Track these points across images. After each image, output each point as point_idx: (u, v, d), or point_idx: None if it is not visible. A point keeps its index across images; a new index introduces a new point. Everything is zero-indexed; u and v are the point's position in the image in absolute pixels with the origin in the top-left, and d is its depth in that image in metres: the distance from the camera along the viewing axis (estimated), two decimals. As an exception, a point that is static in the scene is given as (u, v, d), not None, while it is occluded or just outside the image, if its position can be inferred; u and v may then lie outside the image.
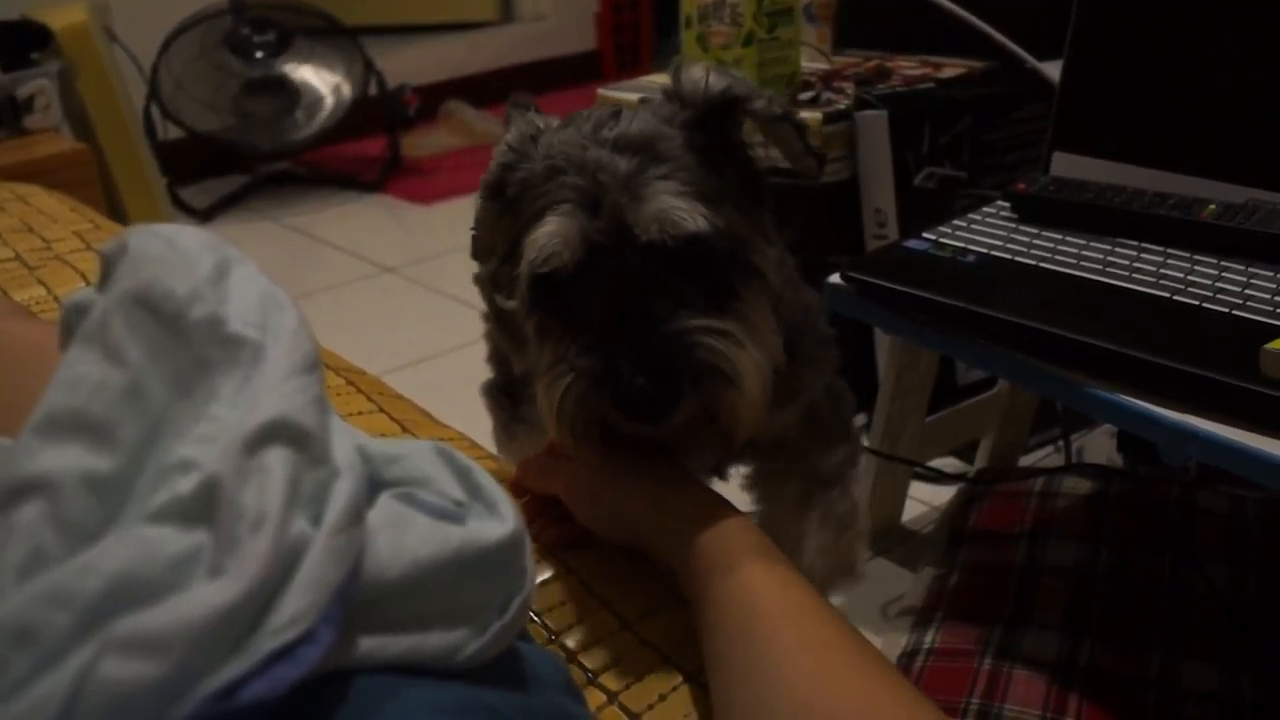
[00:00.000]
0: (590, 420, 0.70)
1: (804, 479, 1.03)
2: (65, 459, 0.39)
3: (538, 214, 0.73)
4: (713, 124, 0.76)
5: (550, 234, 0.71)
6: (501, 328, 1.15)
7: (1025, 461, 1.65)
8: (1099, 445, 1.65)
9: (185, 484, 0.38)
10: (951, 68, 1.71)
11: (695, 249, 0.71)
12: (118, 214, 2.46)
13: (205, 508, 0.38)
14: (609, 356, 0.68)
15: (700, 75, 0.77)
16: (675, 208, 0.70)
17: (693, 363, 0.68)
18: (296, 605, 0.36)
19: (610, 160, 0.72)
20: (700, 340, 0.68)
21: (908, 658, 1.20)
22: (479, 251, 0.85)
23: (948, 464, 1.65)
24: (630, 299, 0.69)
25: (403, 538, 0.44)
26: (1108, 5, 1.16)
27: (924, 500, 1.61)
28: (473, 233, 0.84)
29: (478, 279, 1.31)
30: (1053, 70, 1.41)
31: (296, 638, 0.36)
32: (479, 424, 1.17)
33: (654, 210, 0.70)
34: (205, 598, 0.35)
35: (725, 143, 0.78)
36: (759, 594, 0.61)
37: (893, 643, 1.25)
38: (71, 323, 0.49)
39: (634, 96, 1.72)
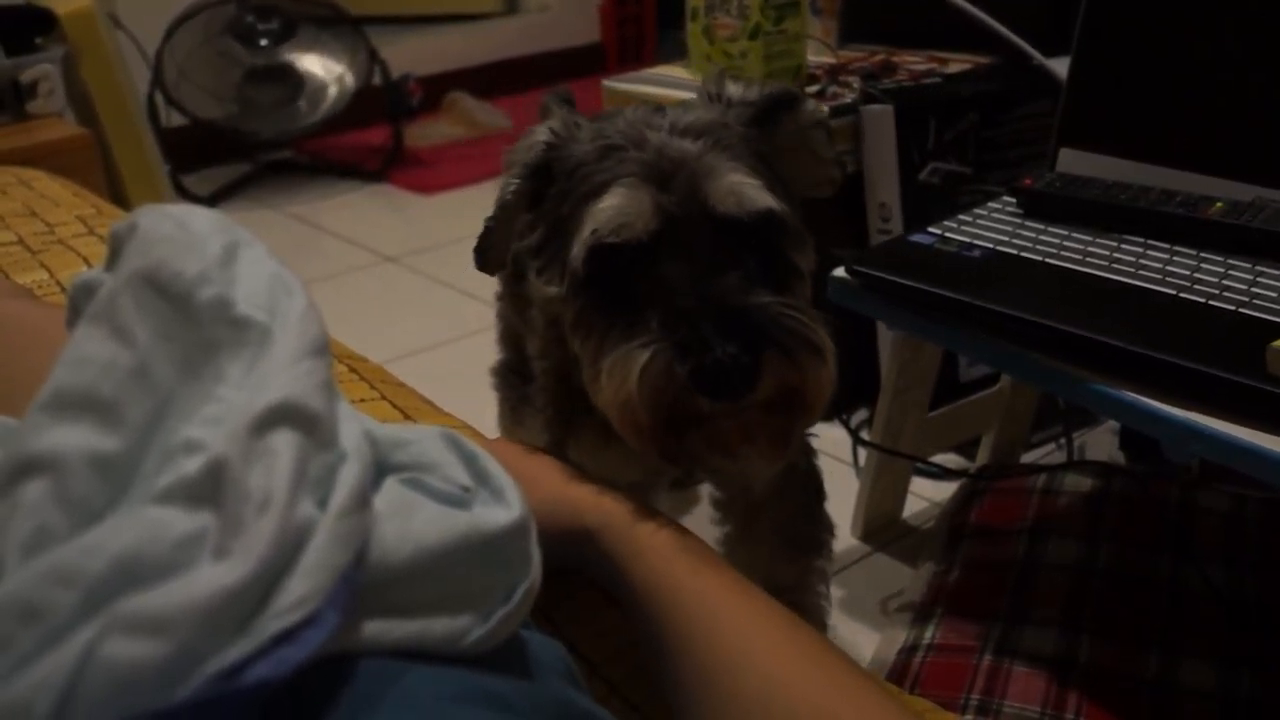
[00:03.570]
0: (665, 400, 0.66)
1: (765, 583, 1.02)
2: (71, 438, 0.39)
3: (598, 189, 0.71)
4: (768, 123, 0.77)
5: (619, 205, 0.69)
6: (516, 306, 1.14)
7: (1027, 458, 1.65)
8: (1101, 442, 1.65)
9: (191, 465, 0.38)
10: (957, 63, 1.70)
11: (765, 227, 0.70)
12: (120, 200, 2.45)
13: (211, 489, 0.38)
14: (695, 327, 0.65)
15: (743, 84, 0.78)
16: (747, 183, 0.70)
17: (783, 333, 0.66)
18: (302, 588, 0.36)
19: (675, 142, 0.71)
20: (785, 313, 0.67)
21: (907, 653, 1.20)
22: (499, 228, 0.81)
23: (949, 460, 1.65)
24: (709, 272, 0.68)
25: (409, 523, 0.43)
26: (1115, 2, 1.16)
27: (925, 496, 1.61)
28: (489, 222, 0.83)
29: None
30: (1059, 66, 1.41)
31: (301, 620, 0.36)
32: (480, 414, 1.17)
33: (728, 184, 0.70)
34: (210, 579, 0.35)
35: (772, 146, 0.78)
36: (711, 599, 0.60)
37: (892, 638, 1.25)
38: (79, 302, 0.49)
39: (641, 89, 1.71)
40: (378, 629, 0.42)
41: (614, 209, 0.69)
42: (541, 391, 0.93)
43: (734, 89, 0.79)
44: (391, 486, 0.46)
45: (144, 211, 0.48)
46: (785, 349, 0.66)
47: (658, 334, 0.66)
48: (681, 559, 0.63)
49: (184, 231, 0.47)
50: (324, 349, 0.45)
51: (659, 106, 0.79)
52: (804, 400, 0.68)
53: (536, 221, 0.78)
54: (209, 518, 0.37)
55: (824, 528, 1.03)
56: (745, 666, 0.56)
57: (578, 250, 0.71)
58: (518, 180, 0.79)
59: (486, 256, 0.84)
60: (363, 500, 0.41)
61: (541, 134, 0.78)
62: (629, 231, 0.69)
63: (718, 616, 0.59)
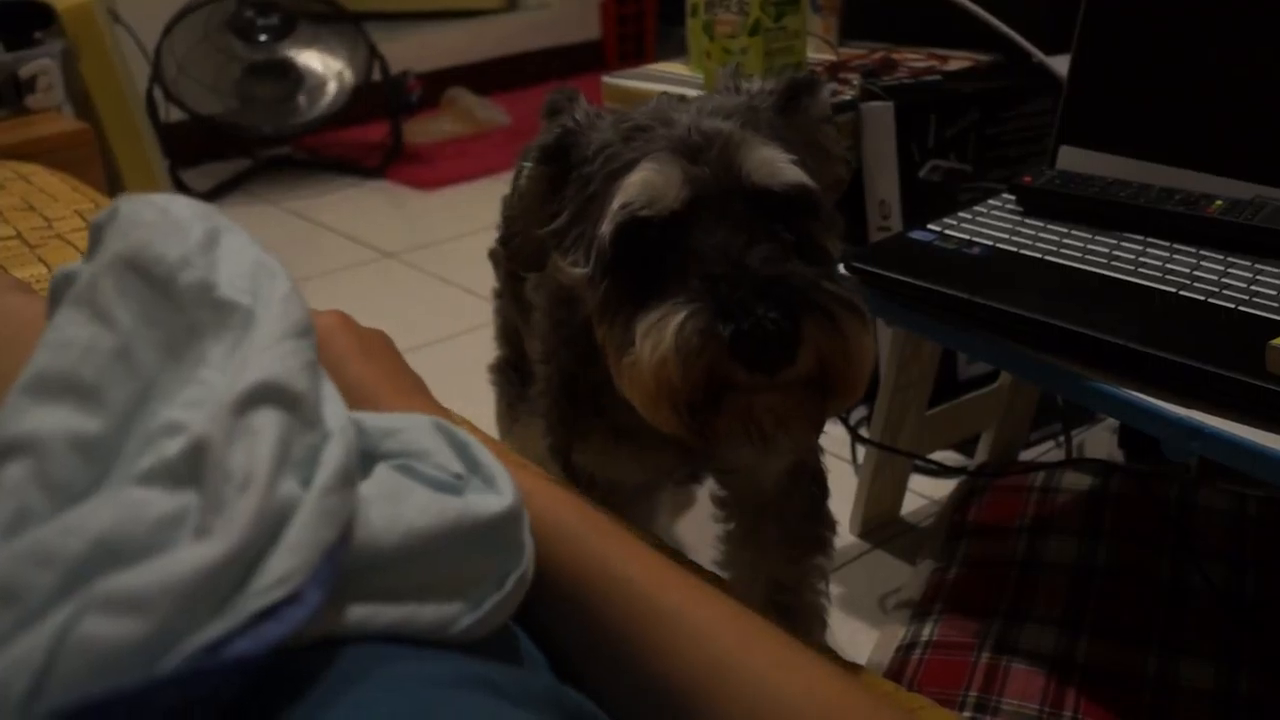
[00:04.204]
0: (703, 359, 0.63)
1: (767, 582, 1.01)
2: (52, 419, 0.38)
3: (627, 165, 0.70)
4: (790, 110, 0.77)
5: (650, 178, 0.68)
6: (517, 307, 1.13)
7: (1025, 456, 1.65)
8: (1100, 441, 1.65)
9: (173, 446, 0.38)
10: (958, 60, 1.70)
11: (798, 203, 0.70)
12: (119, 195, 2.45)
13: (193, 469, 0.37)
14: (734, 290, 0.63)
15: (759, 80, 0.79)
16: (781, 157, 0.70)
17: (825, 298, 0.64)
18: (284, 566, 0.36)
19: (706, 120, 0.71)
20: (824, 280, 0.66)
21: (906, 650, 1.20)
22: (521, 217, 0.80)
23: (948, 457, 1.65)
24: (744, 243, 0.66)
25: (399, 508, 0.43)
26: (1116, 0, 1.15)
27: (924, 493, 1.61)
28: (509, 213, 0.82)
29: (492, 254, 1.31)
30: (1059, 64, 1.41)
31: (283, 597, 0.36)
32: (479, 409, 1.17)
33: (763, 156, 0.69)
34: (190, 557, 0.34)
35: (795, 136, 0.78)
36: (664, 593, 0.51)
37: (891, 635, 1.25)
38: (59, 290, 0.49)
39: (641, 85, 1.71)
40: (366, 613, 0.41)
41: (645, 182, 0.68)
42: (544, 395, 0.92)
43: (750, 85, 0.79)
44: (383, 472, 0.45)
45: (125, 199, 0.48)
46: (828, 314, 0.64)
47: (696, 295, 0.65)
48: (617, 542, 0.53)
49: (165, 217, 0.47)
50: (308, 330, 0.44)
51: (682, 96, 0.79)
52: (845, 374, 0.67)
53: (560, 206, 0.77)
54: (191, 498, 0.37)
55: (827, 525, 1.03)
56: (733, 670, 0.48)
57: (607, 226, 0.69)
58: (534, 165, 0.77)
59: (516, 251, 0.83)
60: (347, 479, 0.40)
61: (561, 123, 0.77)
62: (661, 204, 0.68)
63: (685, 614, 0.50)
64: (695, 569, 0.71)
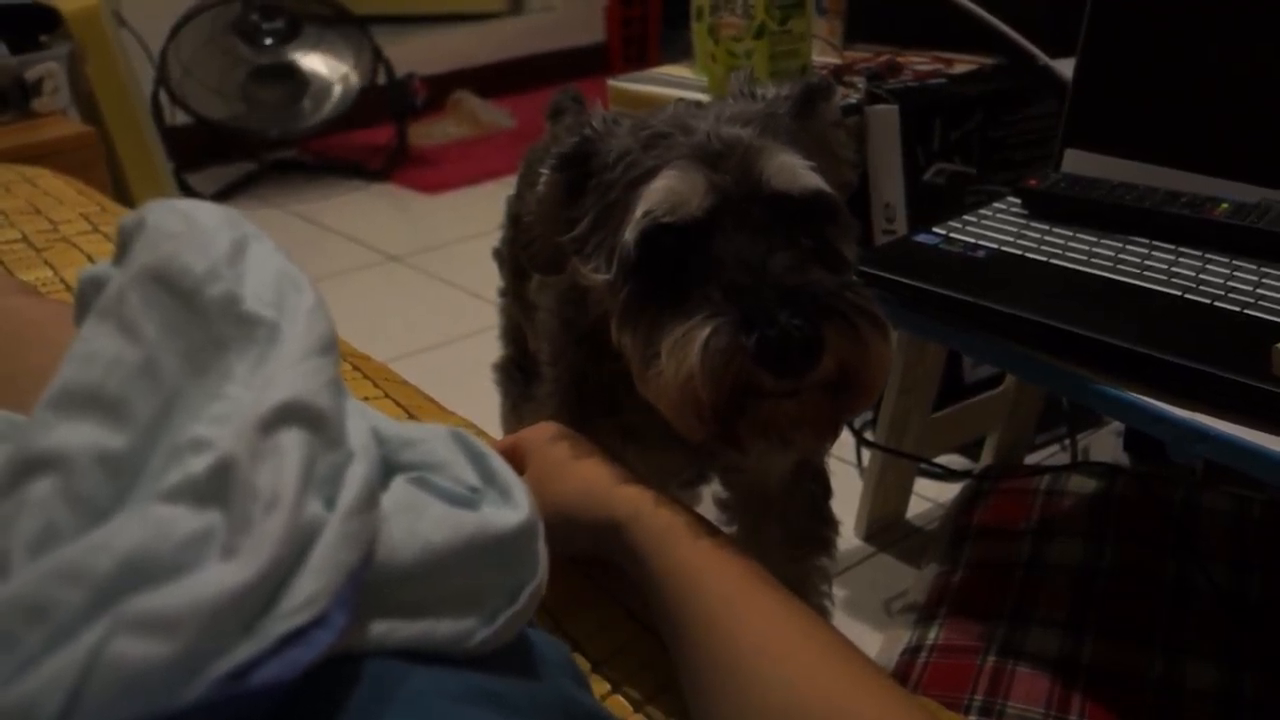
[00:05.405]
0: (729, 374, 0.65)
1: None
2: (79, 435, 0.39)
3: (649, 172, 0.71)
4: (805, 115, 0.78)
5: (672, 186, 0.69)
6: (521, 307, 1.13)
7: (1031, 459, 1.65)
8: (1105, 444, 1.65)
9: (199, 463, 0.38)
10: (963, 63, 1.70)
11: (816, 209, 0.71)
12: (124, 198, 2.45)
13: (219, 488, 0.38)
14: (756, 300, 0.64)
15: (773, 85, 0.79)
16: (800, 163, 0.70)
17: (846, 305, 0.65)
18: (310, 588, 0.36)
19: (724, 127, 0.71)
20: (844, 288, 0.67)
21: (910, 654, 1.20)
22: (539, 223, 0.81)
23: (953, 460, 1.65)
24: (765, 250, 0.67)
25: (416, 523, 0.43)
26: (1121, 2, 1.16)
27: (929, 496, 1.61)
28: (525, 217, 0.82)
29: (497, 253, 1.31)
30: (1065, 67, 1.41)
31: (309, 620, 0.36)
32: (484, 412, 1.17)
33: (782, 162, 0.69)
34: (218, 578, 0.34)
35: (811, 140, 0.78)
36: (734, 589, 0.60)
37: (895, 639, 1.25)
38: (87, 296, 0.49)
39: (646, 88, 1.71)
40: (384, 629, 0.41)
41: (668, 189, 0.69)
42: (552, 396, 0.92)
43: (764, 90, 0.79)
44: (399, 486, 0.46)
45: (152, 206, 0.48)
46: (849, 321, 0.65)
47: (719, 308, 0.65)
48: (706, 549, 0.63)
49: (192, 226, 0.46)
50: (332, 346, 0.44)
51: (698, 102, 0.79)
52: (863, 380, 0.67)
53: (579, 213, 0.77)
54: (217, 517, 0.37)
55: (829, 525, 1.03)
56: (767, 656, 0.56)
57: (630, 233, 0.70)
58: (552, 171, 0.78)
59: (534, 256, 0.83)
60: (371, 500, 0.41)
61: (572, 130, 0.77)
62: (685, 210, 0.68)
63: (741, 606, 0.59)
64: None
